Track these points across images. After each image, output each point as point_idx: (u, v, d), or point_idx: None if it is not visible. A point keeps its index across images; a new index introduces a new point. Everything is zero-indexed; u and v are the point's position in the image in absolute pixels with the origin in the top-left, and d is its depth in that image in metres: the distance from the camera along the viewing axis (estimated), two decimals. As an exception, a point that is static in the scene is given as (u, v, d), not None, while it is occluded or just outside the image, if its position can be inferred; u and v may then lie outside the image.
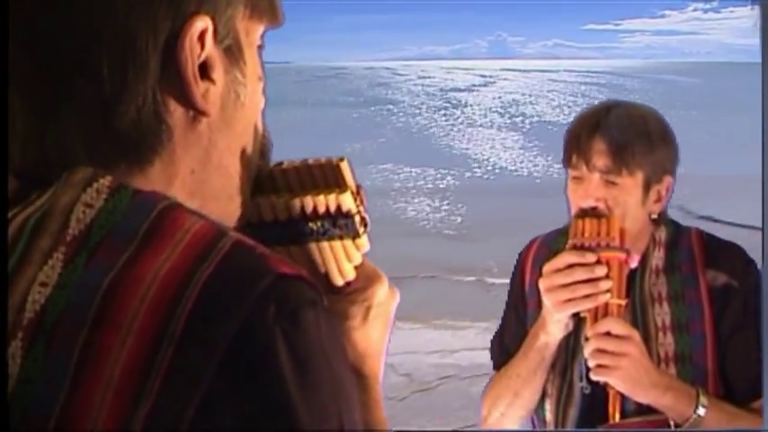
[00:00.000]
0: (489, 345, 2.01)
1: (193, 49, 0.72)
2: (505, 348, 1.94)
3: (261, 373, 0.63)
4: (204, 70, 0.74)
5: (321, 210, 0.85)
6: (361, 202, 0.87)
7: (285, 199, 0.85)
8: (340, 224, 0.85)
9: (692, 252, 1.85)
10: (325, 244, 0.86)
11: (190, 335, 0.62)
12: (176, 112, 0.74)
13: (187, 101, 0.73)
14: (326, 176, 0.86)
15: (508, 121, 16.79)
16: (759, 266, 1.80)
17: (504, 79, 35.79)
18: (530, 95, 23.64)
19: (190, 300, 0.63)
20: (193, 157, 0.75)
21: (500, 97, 24.37)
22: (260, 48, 0.81)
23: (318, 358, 0.66)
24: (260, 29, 0.80)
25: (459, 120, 17.35)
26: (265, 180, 0.85)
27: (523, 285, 1.95)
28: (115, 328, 0.62)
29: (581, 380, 1.80)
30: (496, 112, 18.12)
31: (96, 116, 0.71)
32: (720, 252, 1.86)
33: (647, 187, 1.79)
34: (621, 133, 1.76)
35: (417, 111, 18.51)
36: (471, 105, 20.20)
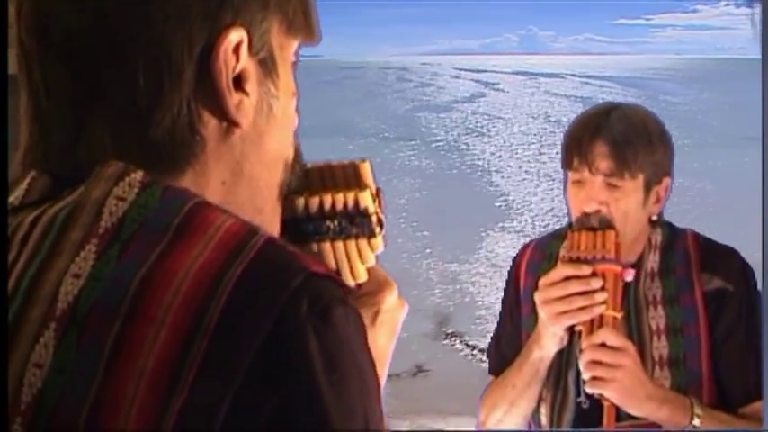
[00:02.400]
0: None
1: (228, 61, 0.72)
2: (501, 353, 1.93)
3: (292, 369, 0.64)
4: (238, 82, 0.74)
5: (339, 206, 0.85)
6: (380, 204, 0.87)
7: (305, 196, 0.85)
8: (357, 222, 0.85)
9: (687, 255, 1.85)
10: (340, 243, 0.86)
11: (223, 330, 0.63)
12: (210, 123, 0.73)
13: (221, 112, 0.73)
14: (347, 177, 0.87)
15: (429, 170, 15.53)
16: (759, 268, 1.78)
17: (500, 90, 35.10)
18: (498, 121, 22.83)
19: (223, 295, 0.64)
20: (225, 168, 0.75)
21: (473, 116, 23.69)
22: (294, 64, 0.80)
23: (347, 355, 0.67)
24: (294, 45, 0.80)
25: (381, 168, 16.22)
26: None
27: (518, 290, 1.94)
28: (148, 322, 0.63)
29: (578, 395, 1.79)
30: (434, 154, 17.03)
31: (130, 125, 0.71)
32: (715, 255, 1.85)
33: (647, 189, 1.79)
34: (623, 136, 1.76)
35: (356, 147, 17.74)
36: (418, 141, 19.07)
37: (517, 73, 50.57)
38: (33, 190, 0.73)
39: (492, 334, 2.02)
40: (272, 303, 0.64)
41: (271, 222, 0.81)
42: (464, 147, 17.92)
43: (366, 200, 0.85)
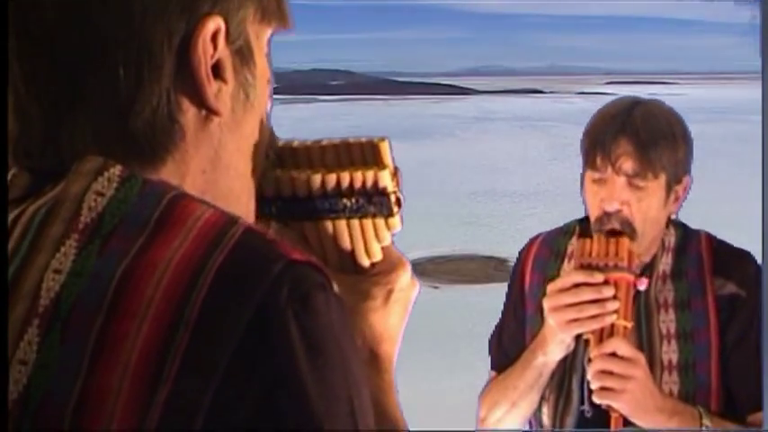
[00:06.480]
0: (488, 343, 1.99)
1: (206, 50, 0.73)
2: (503, 349, 1.91)
3: (274, 355, 0.64)
4: (216, 70, 0.75)
5: (357, 185, 0.84)
6: (398, 184, 0.86)
7: (321, 173, 0.84)
8: (375, 201, 0.84)
9: (700, 258, 1.80)
10: (356, 222, 0.85)
11: (205, 320, 0.63)
12: (189, 112, 0.74)
13: (200, 101, 0.74)
14: (365, 155, 0.85)
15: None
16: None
17: (483, 142, 34.52)
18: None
19: (204, 286, 0.64)
20: (204, 156, 0.76)
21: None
22: (266, 55, 0.81)
23: (329, 341, 0.68)
24: (268, 32, 0.81)
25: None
26: (301, 155, 0.85)
27: (523, 285, 1.90)
28: (130, 316, 0.63)
29: (582, 403, 1.76)
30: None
31: (111, 117, 0.72)
32: (729, 259, 1.81)
33: (668, 188, 1.75)
34: (649, 134, 1.71)
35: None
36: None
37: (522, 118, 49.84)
38: (14, 187, 0.73)
39: (494, 328, 1.99)
40: (252, 292, 0.64)
41: (248, 209, 0.81)
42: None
43: (385, 179, 0.84)
